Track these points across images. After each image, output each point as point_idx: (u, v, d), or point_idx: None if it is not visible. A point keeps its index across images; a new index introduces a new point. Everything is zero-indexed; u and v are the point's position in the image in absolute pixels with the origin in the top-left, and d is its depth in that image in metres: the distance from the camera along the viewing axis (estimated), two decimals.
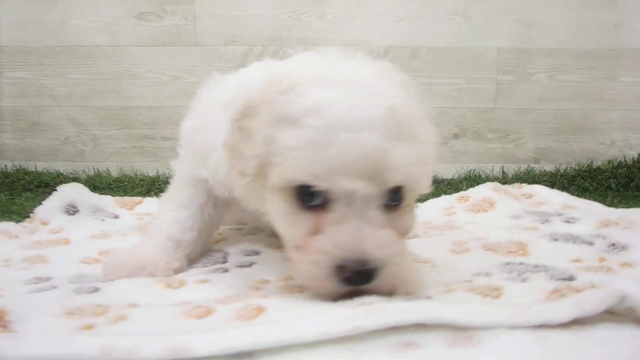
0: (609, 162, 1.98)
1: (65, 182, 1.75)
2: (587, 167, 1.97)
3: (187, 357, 0.45)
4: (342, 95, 0.54)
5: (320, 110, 0.54)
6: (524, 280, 0.69)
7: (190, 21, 1.99)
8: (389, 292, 0.57)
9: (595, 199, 1.62)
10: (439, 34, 2.00)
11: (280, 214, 0.60)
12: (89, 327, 0.49)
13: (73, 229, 0.99)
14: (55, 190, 1.71)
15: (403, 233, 0.61)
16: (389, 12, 1.99)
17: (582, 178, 1.91)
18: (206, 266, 0.78)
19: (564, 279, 0.67)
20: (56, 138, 2.05)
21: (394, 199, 0.58)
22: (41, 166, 2.01)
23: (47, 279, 0.64)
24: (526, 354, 0.46)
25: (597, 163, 1.99)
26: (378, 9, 1.98)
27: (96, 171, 1.98)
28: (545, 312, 0.51)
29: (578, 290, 0.56)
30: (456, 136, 2.07)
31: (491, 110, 2.05)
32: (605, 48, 2.00)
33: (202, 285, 0.65)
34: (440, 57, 2.01)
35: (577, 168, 1.97)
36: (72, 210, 1.11)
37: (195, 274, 0.72)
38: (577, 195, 1.67)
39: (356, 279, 0.54)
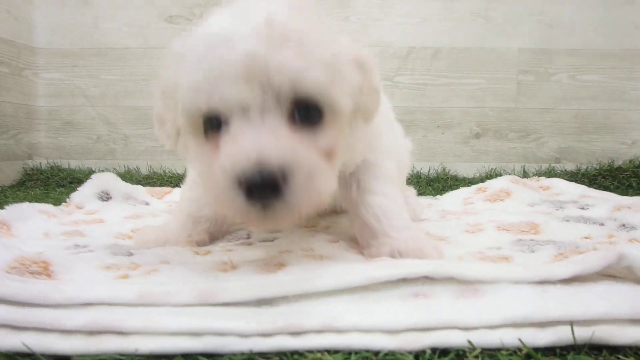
0: (630, 161, 1.97)
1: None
2: (608, 166, 1.96)
3: (214, 302, 0.49)
4: (224, 19, 0.56)
5: (203, 37, 0.55)
6: (533, 252, 0.71)
7: None
8: (305, 207, 0.54)
9: None
10: (460, 35, 2.03)
11: (194, 156, 0.60)
12: (125, 277, 0.54)
13: (107, 212, 1.05)
14: None
15: (326, 152, 0.58)
16: (412, 14, 2.03)
17: (603, 177, 1.91)
18: (230, 242, 0.82)
19: (570, 248, 0.69)
20: (89, 137, 2.15)
21: (306, 115, 0.56)
22: (74, 164, 2.11)
23: (85, 246, 0.70)
24: (529, 303, 0.49)
25: (618, 162, 1.98)
26: (401, 11, 2.03)
27: (126, 169, 2.06)
28: (548, 269, 0.54)
29: (580, 252, 0.59)
30: (477, 135, 2.09)
31: (512, 110, 2.07)
32: (626, 48, 2.00)
33: (227, 252, 0.70)
34: (462, 57, 2.04)
35: (598, 167, 1.96)
36: (105, 196, 1.18)
37: (220, 245, 0.77)
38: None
39: (259, 190, 0.50)
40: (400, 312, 0.47)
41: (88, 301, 0.47)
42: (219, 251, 0.72)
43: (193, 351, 0.44)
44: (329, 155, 0.58)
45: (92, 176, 1.26)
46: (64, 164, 2.10)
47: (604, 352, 0.46)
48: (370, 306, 0.49)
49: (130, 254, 0.66)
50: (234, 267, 0.57)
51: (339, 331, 0.46)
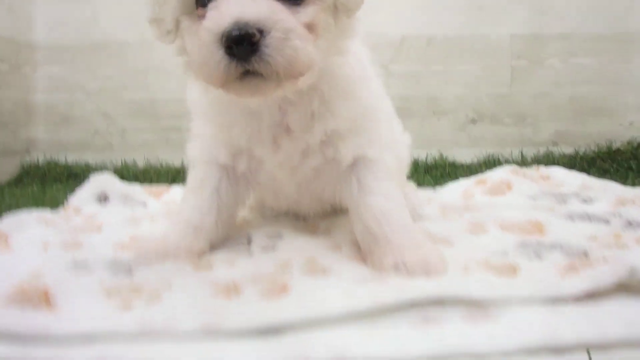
0: (628, 143, 1.97)
1: (94, 174, 1.83)
2: (606, 148, 1.96)
3: (219, 331, 0.48)
4: None
5: None
6: (540, 258, 0.71)
7: None
8: (283, 67, 0.57)
9: (615, 180, 1.61)
10: (453, 23, 2.03)
11: (189, 37, 0.64)
12: (127, 304, 0.53)
13: (105, 215, 1.04)
14: (85, 181, 1.79)
15: (308, 27, 0.62)
16: (404, 3, 2.02)
17: (602, 160, 1.90)
18: (231, 249, 0.81)
19: (579, 255, 0.68)
20: (86, 131, 2.12)
21: None
22: (71, 158, 2.08)
23: (84, 262, 0.68)
24: (542, 327, 0.48)
25: (616, 144, 1.97)
26: (393, 0, 2.00)
27: (123, 162, 2.04)
28: (559, 287, 0.53)
29: (591, 265, 0.58)
30: (473, 121, 2.08)
31: (507, 96, 2.06)
32: (617, 32, 2.00)
33: (228, 267, 0.69)
34: (455, 45, 2.03)
35: (596, 150, 1.96)
36: (103, 197, 1.16)
37: (221, 257, 0.75)
38: (598, 177, 1.66)
39: (238, 45, 0.55)
40: (411, 339, 0.47)
41: (90, 334, 0.46)
42: (221, 265, 0.71)
43: None
44: (309, 28, 0.61)
45: (90, 178, 1.24)
46: (62, 158, 2.08)
47: None
48: (379, 333, 0.48)
49: (131, 273, 0.65)
50: (237, 291, 0.56)
51: None
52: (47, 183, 1.86)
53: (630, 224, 0.88)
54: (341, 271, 0.64)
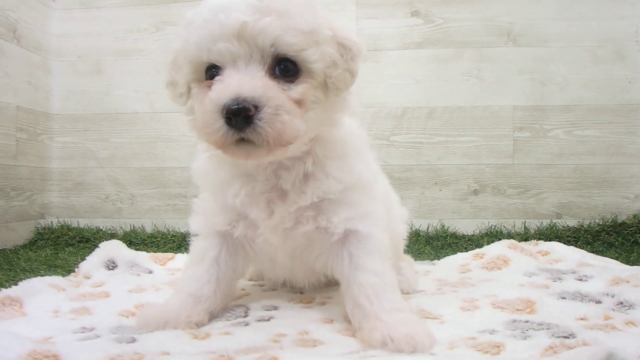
0: (634, 216, 1.97)
1: (104, 238, 1.90)
2: (611, 221, 1.95)
3: None
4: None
5: (208, 6, 0.71)
6: (526, 338, 0.73)
7: None
8: (272, 138, 0.66)
9: (620, 254, 1.61)
10: (454, 95, 2.09)
11: (197, 102, 0.74)
12: None
13: (113, 283, 1.08)
14: (95, 244, 1.85)
15: (298, 102, 0.71)
16: (405, 76, 2.11)
17: (607, 233, 1.90)
18: (229, 320, 0.84)
19: (564, 337, 0.70)
20: (97, 196, 2.21)
21: (285, 71, 0.71)
22: (83, 222, 2.16)
23: (92, 329, 0.72)
24: None
25: (621, 217, 1.97)
26: (394, 73, 2.11)
27: (132, 227, 2.11)
28: None
29: (570, 348, 0.60)
30: (476, 192, 2.11)
31: (510, 167, 2.09)
32: (621, 103, 2.04)
33: (224, 337, 0.72)
34: (457, 116, 2.10)
35: (601, 223, 1.96)
36: (111, 265, 1.22)
37: (218, 326, 0.79)
38: (602, 251, 1.66)
39: (236, 117, 0.65)
40: None
41: None
42: (217, 334, 0.74)
43: None
44: (299, 103, 0.71)
45: (100, 245, 1.31)
46: (74, 222, 2.16)
47: None
48: None
49: (134, 341, 0.68)
50: None
51: None
52: (60, 246, 1.92)
53: (622, 304, 0.90)
54: (331, 344, 0.67)
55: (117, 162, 2.20)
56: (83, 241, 1.98)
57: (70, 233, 2.04)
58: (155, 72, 2.18)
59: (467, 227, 2.06)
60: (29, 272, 1.41)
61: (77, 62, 2.24)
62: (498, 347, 0.68)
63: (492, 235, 1.95)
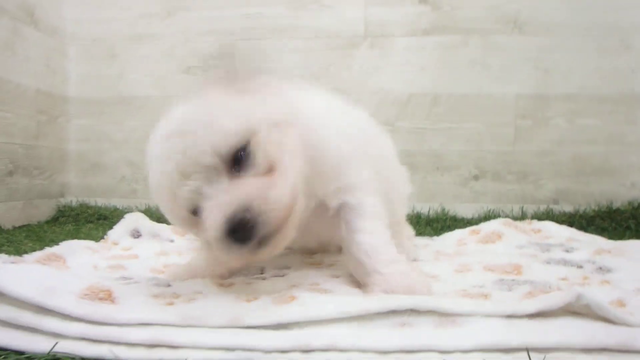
0: (629, 203, 2.03)
1: (122, 216, 1.99)
2: (606, 208, 2.02)
3: (242, 325, 0.62)
4: (158, 148, 0.73)
5: (149, 159, 0.75)
6: (510, 289, 0.83)
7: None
8: (277, 222, 0.66)
9: (612, 239, 1.67)
10: (459, 82, 2.15)
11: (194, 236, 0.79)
12: (170, 303, 0.67)
13: (140, 248, 1.19)
14: (113, 222, 1.96)
15: (269, 170, 0.71)
16: (411, 63, 2.18)
17: (601, 218, 1.97)
18: (247, 276, 0.95)
19: (543, 288, 0.80)
20: (113, 177, 2.31)
21: (239, 165, 0.70)
22: (100, 202, 2.27)
23: (130, 278, 0.83)
24: (496, 333, 0.60)
25: (616, 204, 2.04)
26: (400, 60, 2.18)
27: (147, 207, 2.21)
28: (516, 305, 0.65)
29: (546, 292, 0.70)
30: (476, 178, 2.18)
31: (510, 153, 2.16)
32: (623, 92, 2.07)
33: (247, 286, 0.83)
34: (461, 103, 2.16)
35: (596, 209, 2.03)
36: (136, 234, 1.32)
37: (239, 279, 0.90)
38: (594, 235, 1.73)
39: (240, 232, 0.64)
40: (390, 336, 0.59)
41: (145, 322, 0.60)
42: (240, 284, 0.84)
43: None
44: (270, 170, 0.71)
45: (125, 216, 1.41)
46: (92, 201, 2.27)
47: None
48: (366, 332, 0.61)
49: (169, 285, 0.79)
50: (255, 298, 0.70)
51: (341, 350, 0.58)
52: (80, 222, 2.03)
53: (600, 269, 1.00)
54: (340, 292, 0.78)
55: (131, 144, 2.29)
56: (102, 219, 2.09)
57: (89, 211, 2.15)
58: (167, 56, 2.27)
59: (466, 210, 2.14)
60: (56, 243, 1.52)
61: (91, 46, 2.32)
62: (485, 296, 0.78)
63: (490, 219, 2.00)
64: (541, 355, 0.57)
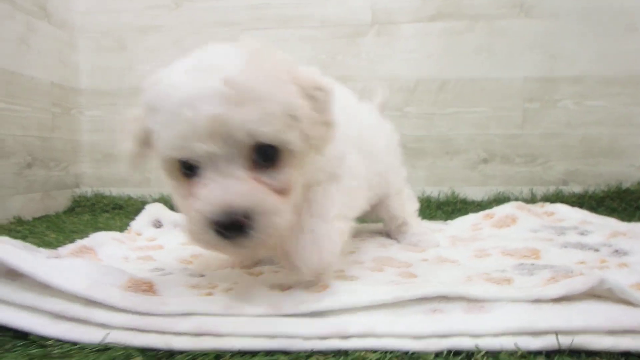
0: (638, 183, 2.06)
1: (136, 205, 2.04)
2: (615, 188, 2.05)
3: (280, 313, 0.65)
4: (185, 78, 0.64)
5: (169, 94, 0.63)
6: (532, 274, 0.85)
7: None
8: (265, 240, 0.62)
9: (622, 219, 1.69)
10: (466, 67, 2.17)
11: (172, 190, 0.70)
12: (209, 293, 0.71)
13: (164, 238, 1.22)
14: (128, 211, 1.99)
15: (283, 188, 0.66)
16: (418, 50, 2.19)
17: (611, 199, 1.99)
18: (273, 265, 0.98)
19: (564, 272, 0.83)
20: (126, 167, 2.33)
21: (265, 158, 0.64)
22: (114, 191, 2.30)
23: (163, 269, 0.86)
24: (523, 317, 0.63)
25: (625, 184, 2.07)
26: (407, 47, 2.19)
27: (161, 195, 2.24)
28: (540, 291, 0.68)
29: (569, 277, 0.73)
30: (485, 161, 2.21)
31: (518, 136, 2.18)
32: (630, 74, 2.09)
33: (275, 274, 0.85)
34: (468, 88, 2.17)
35: (605, 189, 2.05)
36: (158, 224, 1.35)
37: (267, 268, 0.93)
38: (605, 216, 1.74)
39: (229, 230, 0.60)
40: (422, 322, 0.62)
41: (188, 312, 0.63)
42: (268, 273, 0.87)
43: (271, 349, 0.60)
44: (285, 191, 0.67)
45: (145, 206, 1.44)
46: (106, 191, 2.30)
47: (583, 356, 0.60)
48: (400, 318, 0.64)
49: (203, 276, 0.82)
50: (289, 287, 0.73)
51: (377, 336, 0.61)
52: (96, 212, 2.07)
53: (617, 252, 1.02)
54: (365, 278, 0.81)
55: None
56: (117, 208, 2.12)
57: (104, 201, 2.18)
58: (176, 47, 2.27)
59: (476, 193, 2.17)
60: (77, 233, 1.55)
61: (101, 38, 2.33)
62: (508, 280, 0.81)
63: (500, 201, 2.04)
64: (568, 338, 0.60)
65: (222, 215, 0.59)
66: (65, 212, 2.10)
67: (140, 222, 1.35)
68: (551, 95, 2.14)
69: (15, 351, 0.61)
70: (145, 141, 0.69)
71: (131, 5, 2.30)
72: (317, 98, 0.69)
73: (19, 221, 1.81)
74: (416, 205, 1.36)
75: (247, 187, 0.62)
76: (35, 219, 1.88)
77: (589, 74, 2.11)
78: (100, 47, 2.33)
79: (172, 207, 2.06)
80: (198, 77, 0.63)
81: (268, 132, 0.62)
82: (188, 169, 0.65)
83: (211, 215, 0.59)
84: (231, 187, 0.61)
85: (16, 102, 1.88)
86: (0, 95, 1.79)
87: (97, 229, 1.66)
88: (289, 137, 0.65)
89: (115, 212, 2.07)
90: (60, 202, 2.16)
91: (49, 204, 2.07)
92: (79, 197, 2.23)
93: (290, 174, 0.67)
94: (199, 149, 0.61)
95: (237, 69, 0.62)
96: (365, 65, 2.21)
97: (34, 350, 0.61)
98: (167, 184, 0.72)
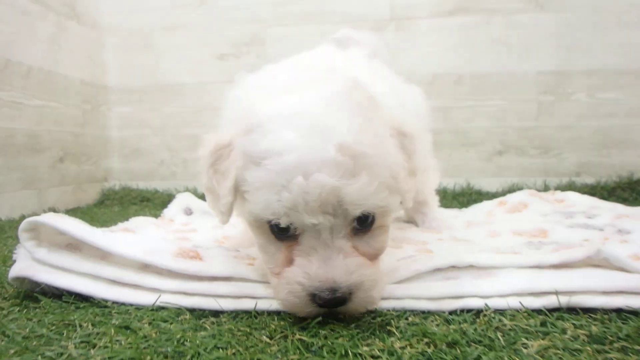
0: None
1: (163, 198, 2.14)
2: (627, 179, 2.09)
3: None
4: (294, 136, 0.60)
5: (277, 153, 0.59)
6: (539, 249, 0.92)
7: (263, 60, 2.35)
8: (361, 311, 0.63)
9: None
10: (481, 62, 2.23)
11: (259, 244, 0.68)
12: (250, 262, 0.79)
13: (196, 223, 1.32)
14: (156, 204, 2.09)
15: (376, 253, 0.67)
16: (435, 44, 2.26)
17: (622, 189, 2.04)
18: None
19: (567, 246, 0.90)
20: (153, 161, 2.46)
21: (363, 224, 0.63)
22: (142, 185, 2.42)
23: (202, 246, 0.95)
24: (528, 280, 0.70)
25: (637, 175, 2.11)
26: (425, 42, 2.26)
27: (186, 188, 2.35)
28: (542, 257, 0.75)
29: (569, 248, 0.80)
30: (500, 153, 2.26)
31: (533, 129, 2.23)
32: None
33: None
34: (484, 82, 2.23)
35: (617, 180, 2.10)
36: (188, 212, 1.45)
37: None
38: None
39: (329, 304, 0.60)
40: (438, 286, 0.70)
41: (231, 276, 0.72)
42: None
43: None
44: (377, 253, 0.67)
45: (176, 195, 1.54)
46: (134, 185, 2.42)
47: (580, 312, 0.67)
48: (417, 284, 0.72)
49: (239, 252, 0.91)
50: None
51: (398, 298, 0.69)
52: (125, 205, 2.18)
53: (620, 231, 1.08)
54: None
55: (169, 130, 2.43)
56: (145, 200, 2.24)
57: (132, 194, 2.30)
58: (201, 44, 2.37)
59: (491, 184, 2.23)
60: (110, 222, 1.66)
61: (128, 37, 2.44)
62: (517, 253, 0.88)
63: (514, 192, 2.10)
64: (567, 297, 0.67)
65: (327, 292, 0.59)
66: (95, 205, 2.22)
67: (173, 209, 1.45)
68: (565, 88, 2.19)
69: (80, 310, 0.71)
70: (236, 188, 0.67)
71: (157, 4, 2.41)
72: (405, 147, 0.69)
73: (54, 212, 1.92)
74: (437, 181, 1.40)
75: (351, 264, 0.61)
76: (68, 211, 2.00)
77: (602, 66, 2.15)
78: (128, 45, 2.45)
79: (200, 197, 2.19)
80: (311, 140, 0.59)
81: (378, 203, 0.61)
82: (281, 230, 0.63)
83: (316, 291, 0.59)
84: (335, 262, 0.60)
85: (51, 99, 2.00)
86: (37, 92, 1.91)
87: (128, 219, 1.77)
88: (392, 203, 0.65)
89: (143, 204, 2.18)
90: (90, 194, 2.28)
91: (80, 196, 2.20)
92: (108, 190, 2.35)
93: (383, 238, 0.67)
94: (307, 220, 0.59)
95: (350, 132, 0.60)
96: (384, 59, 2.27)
97: (97, 309, 0.71)
98: (255, 239, 0.70)
